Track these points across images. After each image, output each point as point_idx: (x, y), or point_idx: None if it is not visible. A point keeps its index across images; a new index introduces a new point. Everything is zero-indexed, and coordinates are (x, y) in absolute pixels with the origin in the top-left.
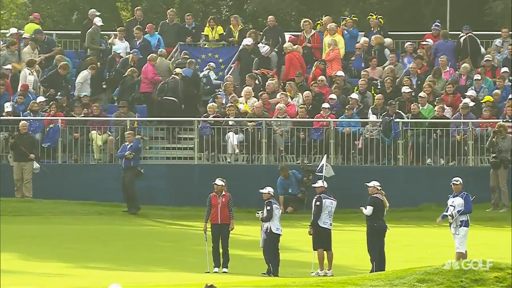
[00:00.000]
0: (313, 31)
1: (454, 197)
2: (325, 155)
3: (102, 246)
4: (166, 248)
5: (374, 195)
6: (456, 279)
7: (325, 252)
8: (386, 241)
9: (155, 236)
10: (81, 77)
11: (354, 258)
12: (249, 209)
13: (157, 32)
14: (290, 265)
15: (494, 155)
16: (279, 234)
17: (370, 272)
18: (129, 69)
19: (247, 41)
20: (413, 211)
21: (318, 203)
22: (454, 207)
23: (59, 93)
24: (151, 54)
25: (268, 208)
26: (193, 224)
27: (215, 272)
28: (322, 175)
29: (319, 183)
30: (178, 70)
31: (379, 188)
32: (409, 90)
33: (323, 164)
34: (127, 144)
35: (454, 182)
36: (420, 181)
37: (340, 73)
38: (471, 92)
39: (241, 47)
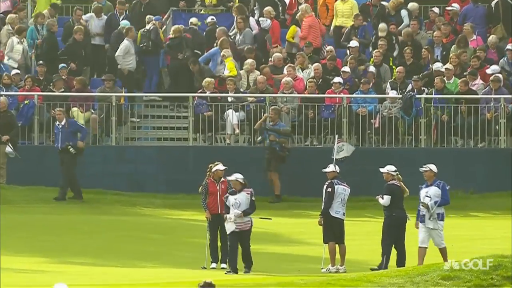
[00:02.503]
0: None
1: (427, 186)
2: (336, 135)
3: (84, 239)
4: (157, 241)
5: (391, 182)
6: (486, 275)
7: (337, 245)
8: (407, 233)
9: (144, 227)
10: (123, 49)
11: (369, 253)
12: None
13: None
14: (298, 260)
15: None
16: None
17: (377, 267)
18: (176, 32)
19: (192, 19)
20: None
21: (329, 189)
22: (430, 197)
23: (39, 62)
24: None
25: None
26: (187, 213)
27: (213, 268)
28: (333, 159)
29: (331, 168)
30: (194, 20)
31: (394, 174)
32: (442, 65)
33: (338, 146)
34: (58, 124)
35: (432, 169)
36: (445, 164)
37: (355, 43)
38: (493, 68)
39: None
